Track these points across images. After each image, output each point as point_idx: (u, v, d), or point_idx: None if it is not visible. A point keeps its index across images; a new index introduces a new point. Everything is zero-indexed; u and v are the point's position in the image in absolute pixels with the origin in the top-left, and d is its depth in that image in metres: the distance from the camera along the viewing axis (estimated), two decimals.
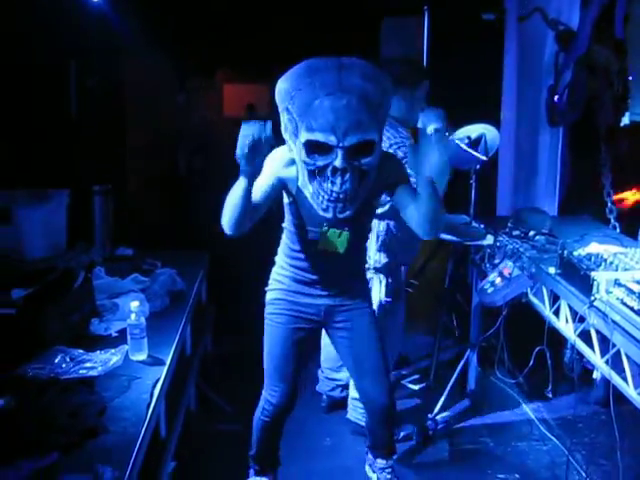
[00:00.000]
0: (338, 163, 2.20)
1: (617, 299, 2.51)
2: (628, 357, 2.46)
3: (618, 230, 3.82)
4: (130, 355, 2.75)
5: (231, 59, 6.24)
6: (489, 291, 3.27)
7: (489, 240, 3.58)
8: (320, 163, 2.23)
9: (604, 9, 3.59)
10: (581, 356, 3.00)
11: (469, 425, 3.66)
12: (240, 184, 2.23)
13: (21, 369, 2.58)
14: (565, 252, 2.91)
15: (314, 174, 2.27)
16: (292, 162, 2.38)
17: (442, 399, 3.65)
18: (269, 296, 2.71)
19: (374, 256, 3.26)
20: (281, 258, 2.68)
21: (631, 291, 2.45)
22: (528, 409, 3.79)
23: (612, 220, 3.92)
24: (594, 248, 3.01)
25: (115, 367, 2.65)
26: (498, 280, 3.24)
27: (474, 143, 3.47)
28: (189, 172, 6.46)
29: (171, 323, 3.15)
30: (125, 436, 2.20)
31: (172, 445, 2.83)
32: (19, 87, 4.55)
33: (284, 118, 2.30)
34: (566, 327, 2.96)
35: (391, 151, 2.97)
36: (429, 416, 3.55)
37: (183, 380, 3.26)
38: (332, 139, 2.17)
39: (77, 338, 2.88)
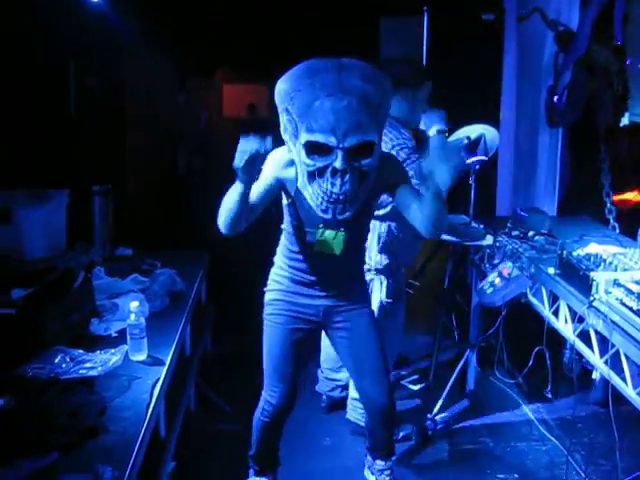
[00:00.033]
0: (338, 164, 2.19)
1: (616, 299, 2.51)
2: (627, 357, 2.47)
3: (617, 230, 3.83)
4: (130, 355, 2.75)
5: (231, 59, 6.25)
6: (488, 291, 3.27)
7: (488, 240, 3.58)
8: (320, 164, 2.23)
9: (603, 9, 3.59)
10: (580, 356, 3.01)
11: (468, 425, 3.66)
12: (237, 188, 2.24)
13: (21, 369, 2.58)
14: (564, 252, 2.91)
15: (314, 175, 2.26)
16: (291, 163, 2.38)
17: (441, 399, 3.65)
18: (268, 297, 2.71)
19: (375, 257, 3.26)
20: (280, 259, 2.68)
21: (630, 291, 2.46)
22: (527, 409, 3.79)
23: (611, 220, 3.93)
24: (593, 248, 3.01)
25: (115, 367, 2.66)
26: (497, 280, 3.25)
27: (474, 143, 3.47)
28: (189, 172, 6.47)
29: (171, 323, 3.15)
30: (125, 436, 2.20)
31: (172, 445, 2.84)
32: (19, 87, 4.56)
33: (283, 119, 2.30)
34: (565, 327, 2.96)
35: (393, 152, 2.95)
36: (428, 416, 3.55)
37: (183, 380, 3.26)
38: (332, 140, 2.17)
39: (77, 338, 2.88)
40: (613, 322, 2.49)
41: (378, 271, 3.27)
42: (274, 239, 2.75)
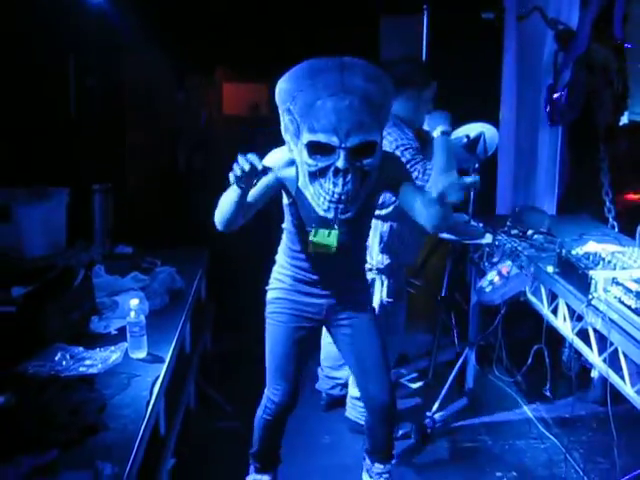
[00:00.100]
0: (340, 164, 2.19)
1: (615, 298, 2.52)
2: (625, 356, 2.47)
3: (616, 229, 3.83)
4: (130, 353, 2.76)
5: (230, 58, 6.24)
6: (487, 290, 3.28)
7: (488, 239, 3.58)
8: (322, 164, 2.23)
9: (603, 8, 3.60)
10: (579, 355, 3.01)
11: (467, 423, 3.67)
12: (234, 191, 2.22)
13: (21, 366, 2.60)
14: (563, 251, 2.92)
15: (315, 175, 2.26)
16: (291, 162, 2.38)
17: (440, 398, 3.66)
18: (270, 295, 2.71)
19: (376, 257, 3.26)
20: (282, 258, 2.69)
21: (629, 290, 2.46)
22: (526, 408, 3.80)
23: (610, 219, 3.93)
24: (592, 247, 3.02)
25: (115, 365, 2.67)
26: (496, 279, 3.25)
27: (473, 142, 3.47)
28: (189, 170, 6.46)
29: (170, 321, 3.17)
30: (125, 433, 2.22)
31: (171, 442, 2.85)
32: (19, 86, 4.56)
33: (285, 119, 2.29)
34: (564, 326, 2.97)
35: (397, 153, 2.95)
36: (427, 414, 3.56)
37: (182, 378, 3.27)
38: (334, 140, 2.17)
39: (77, 336, 2.89)
40: (612, 320, 2.50)
41: (379, 271, 3.27)
42: (274, 237, 2.75)
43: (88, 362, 2.66)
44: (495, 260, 3.44)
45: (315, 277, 2.61)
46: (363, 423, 3.08)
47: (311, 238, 2.44)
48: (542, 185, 4.45)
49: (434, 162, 2.65)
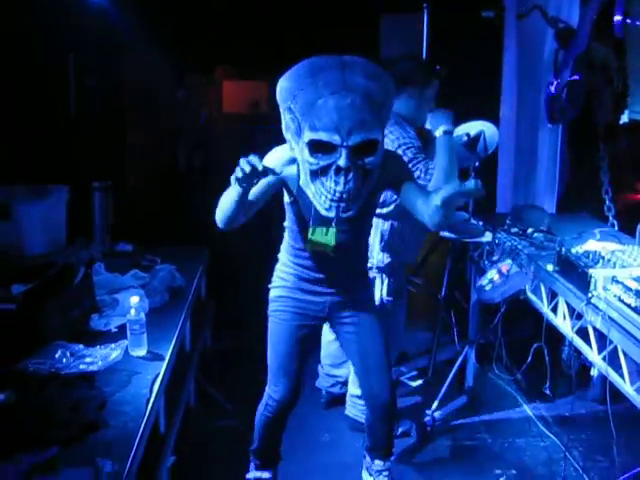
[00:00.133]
0: (342, 162, 2.18)
1: (614, 296, 2.52)
2: (625, 354, 2.48)
3: (616, 228, 3.83)
4: (130, 350, 2.77)
5: (230, 56, 6.24)
6: (487, 288, 3.29)
7: (488, 237, 3.59)
8: (323, 163, 2.22)
9: (603, 7, 3.59)
10: (579, 353, 3.01)
11: (467, 421, 3.67)
12: (236, 189, 2.20)
13: (22, 364, 2.60)
14: (563, 249, 2.92)
15: (317, 174, 2.25)
16: (292, 161, 2.38)
17: (440, 396, 3.67)
18: (273, 293, 2.72)
19: (377, 255, 3.26)
20: (284, 256, 2.69)
21: (628, 288, 2.47)
22: (526, 406, 3.81)
23: (610, 218, 3.93)
24: (592, 245, 3.02)
25: (115, 362, 2.68)
26: (496, 277, 3.26)
27: (473, 140, 3.47)
28: (189, 168, 6.46)
29: (170, 319, 3.17)
30: (125, 430, 2.22)
31: (171, 440, 2.85)
32: (19, 85, 4.56)
33: (286, 117, 2.28)
34: (564, 324, 2.98)
35: (400, 152, 2.94)
36: (427, 412, 3.56)
37: (182, 375, 3.27)
38: (336, 138, 2.16)
39: (77, 333, 2.90)
40: (611, 319, 2.50)
41: (379, 269, 3.27)
42: (274, 235, 2.76)
43: (88, 360, 2.67)
44: (495, 258, 3.44)
45: (318, 275, 2.61)
46: (363, 421, 3.09)
47: (309, 237, 2.44)
48: (542, 183, 4.45)
49: (436, 162, 2.66)
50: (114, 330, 2.99)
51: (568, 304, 2.91)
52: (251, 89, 6.80)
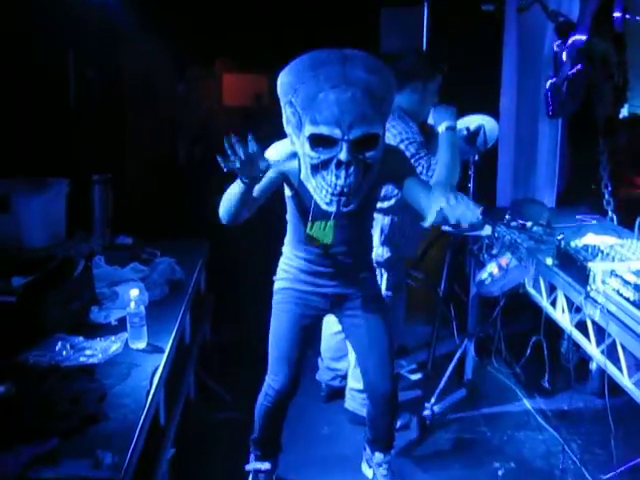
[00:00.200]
0: (343, 156, 2.18)
1: (613, 290, 2.53)
2: (623, 347, 2.48)
3: (615, 222, 3.83)
4: (130, 343, 2.77)
5: (230, 49, 6.24)
6: (486, 282, 3.29)
7: (487, 231, 3.58)
8: (324, 157, 2.21)
9: (603, 1, 3.59)
10: (578, 347, 3.02)
11: (466, 415, 3.68)
12: (239, 186, 2.20)
13: (22, 356, 2.61)
14: (562, 243, 2.93)
15: (317, 168, 2.25)
16: (294, 155, 2.37)
17: (439, 389, 3.67)
18: (277, 285, 2.74)
19: (377, 250, 3.26)
20: (287, 249, 2.70)
21: (627, 282, 2.47)
22: (525, 399, 3.82)
23: (609, 212, 3.94)
24: (591, 239, 3.03)
25: (115, 355, 2.68)
26: (496, 271, 3.26)
27: (473, 134, 3.47)
28: (189, 162, 6.46)
29: (170, 312, 3.17)
30: (125, 422, 2.22)
31: (171, 432, 2.85)
32: (18, 76, 4.55)
33: (287, 111, 2.27)
34: (563, 317, 2.98)
35: (402, 146, 2.94)
36: (426, 405, 3.57)
37: (182, 368, 3.28)
38: (337, 132, 2.16)
39: (77, 326, 2.90)
40: (610, 312, 2.51)
41: (379, 264, 3.28)
42: (274, 230, 2.76)
43: (88, 352, 2.67)
44: (494, 252, 3.44)
45: (319, 268, 2.62)
46: (362, 414, 3.10)
47: (307, 231, 2.45)
48: (542, 177, 4.45)
49: (438, 158, 2.65)
50: (114, 323, 2.99)
51: (567, 298, 2.91)
52: (251, 82, 6.81)
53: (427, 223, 2.17)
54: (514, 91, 4.50)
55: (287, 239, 2.70)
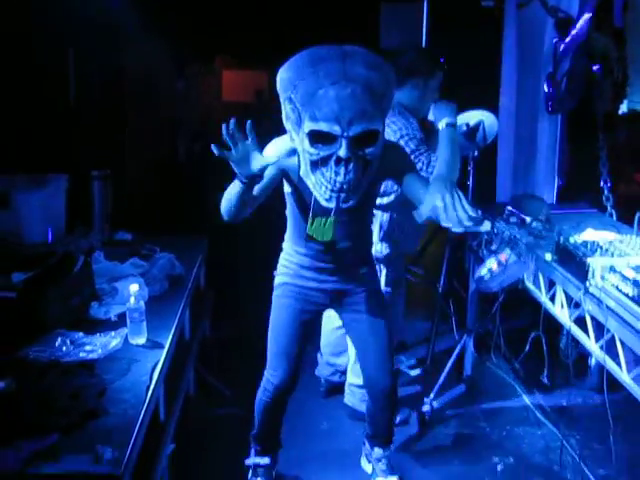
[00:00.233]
0: (342, 153, 2.17)
1: (612, 285, 2.53)
2: (622, 343, 2.49)
3: (614, 217, 3.84)
4: (129, 338, 2.77)
5: (230, 45, 6.24)
6: (486, 277, 3.29)
7: (487, 227, 3.58)
8: (324, 153, 2.21)
9: None
10: (577, 342, 3.03)
11: (465, 410, 3.69)
12: (239, 185, 2.20)
13: (22, 352, 2.61)
14: (561, 239, 2.93)
15: (317, 164, 2.24)
16: (293, 151, 2.37)
17: (438, 384, 3.68)
18: (277, 280, 2.74)
19: (376, 246, 3.25)
20: (287, 244, 2.70)
21: (626, 277, 2.47)
22: (524, 395, 3.82)
23: (609, 207, 3.94)
24: (590, 235, 3.03)
25: (115, 350, 2.68)
26: (495, 266, 3.26)
27: (472, 130, 3.47)
28: (189, 158, 6.47)
29: (170, 307, 3.17)
30: (125, 418, 2.23)
31: (171, 427, 2.86)
32: (18, 73, 4.55)
33: (286, 108, 2.27)
34: (562, 313, 2.99)
35: (402, 142, 2.94)
36: (425, 401, 3.58)
37: (182, 364, 3.28)
38: (336, 129, 2.15)
39: (77, 321, 2.90)
40: (609, 308, 2.51)
41: (378, 260, 3.28)
42: (273, 226, 2.76)
43: (88, 347, 2.67)
44: (494, 248, 3.44)
45: (319, 264, 2.62)
46: (361, 410, 3.11)
47: (308, 227, 2.45)
48: (541, 173, 4.46)
49: (438, 154, 2.65)
50: (114, 318, 2.99)
51: (566, 293, 2.92)
52: (251, 78, 6.81)
53: (419, 218, 2.17)
54: (514, 87, 4.50)
55: (287, 235, 2.70)
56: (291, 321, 2.67)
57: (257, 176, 2.17)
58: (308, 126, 2.19)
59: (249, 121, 2.09)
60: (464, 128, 3.45)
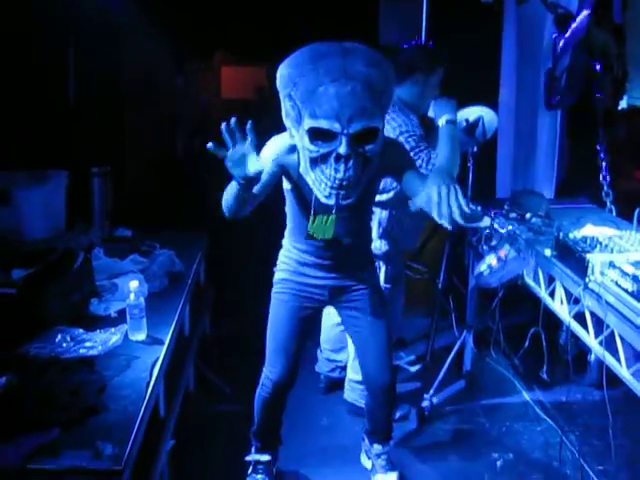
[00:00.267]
0: (342, 150, 2.17)
1: (611, 281, 2.53)
2: (622, 338, 2.49)
3: (614, 213, 3.84)
4: (129, 335, 2.78)
5: (229, 42, 6.22)
6: (485, 273, 3.30)
7: (486, 222, 3.59)
8: (323, 150, 2.20)
9: None
10: (576, 338, 3.03)
11: (465, 406, 3.69)
12: (236, 185, 2.19)
13: (22, 348, 2.62)
14: (561, 234, 2.93)
15: (316, 161, 2.24)
16: (293, 148, 2.37)
17: (438, 380, 3.69)
18: (276, 276, 2.74)
19: (375, 243, 3.25)
20: (286, 241, 2.71)
21: (625, 273, 2.48)
22: (523, 390, 3.83)
23: (608, 203, 3.94)
24: (589, 231, 3.04)
25: (115, 346, 2.69)
26: (494, 262, 3.26)
27: (472, 126, 3.47)
28: (188, 154, 6.45)
29: (170, 303, 3.17)
30: (125, 414, 2.23)
31: (171, 424, 2.87)
32: (18, 70, 4.54)
33: (286, 105, 2.26)
34: (561, 309, 2.99)
35: (402, 139, 2.94)
36: (425, 397, 3.58)
37: (182, 360, 3.28)
38: (336, 126, 2.15)
39: (77, 318, 2.91)
40: (608, 303, 2.51)
41: (377, 257, 3.27)
42: (273, 223, 2.76)
43: (88, 344, 2.68)
44: (493, 244, 3.45)
45: (318, 261, 2.63)
46: (361, 405, 3.11)
47: (309, 225, 2.45)
48: (541, 169, 4.46)
49: (438, 151, 2.65)
50: (114, 315, 3.00)
51: (565, 289, 2.92)
52: (250, 74, 6.79)
53: (413, 206, 2.17)
54: (513, 83, 4.50)
55: (287, 232, 2.70)
56: (290, 317, 2.68)
57: (253, 179, 2.16)
58: (308, 123, 2.19)
59: (250, 121, 2.09)
60: (463, 124, 3.44)
